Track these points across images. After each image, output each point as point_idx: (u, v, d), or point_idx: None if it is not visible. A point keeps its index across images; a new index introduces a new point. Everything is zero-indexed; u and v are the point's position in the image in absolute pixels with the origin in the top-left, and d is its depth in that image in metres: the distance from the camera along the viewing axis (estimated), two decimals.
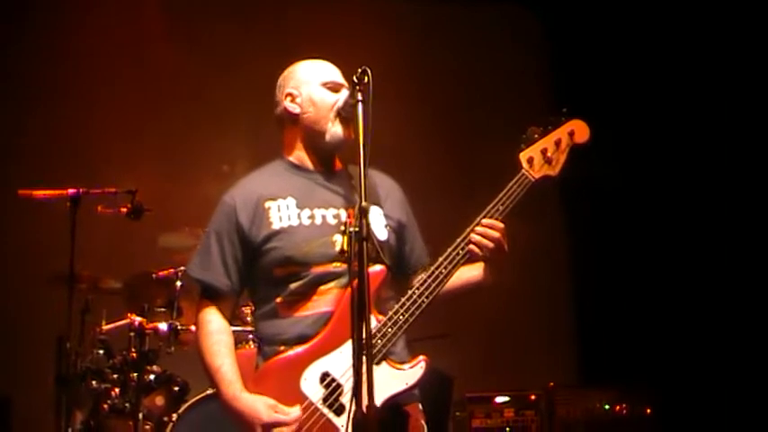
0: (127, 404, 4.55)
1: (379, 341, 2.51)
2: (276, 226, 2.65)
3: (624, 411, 5.39)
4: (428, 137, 6.55)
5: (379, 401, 2.38)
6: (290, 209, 2.67)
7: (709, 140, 5.74)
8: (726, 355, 5.51)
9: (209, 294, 2.72)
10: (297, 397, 2.52)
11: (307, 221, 2.65)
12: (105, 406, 4.58)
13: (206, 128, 6.35)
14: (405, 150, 5.92)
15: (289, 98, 2.78)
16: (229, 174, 6.25)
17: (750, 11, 5.49)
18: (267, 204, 2.67)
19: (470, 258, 2.63)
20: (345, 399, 2.49)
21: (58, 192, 4.50)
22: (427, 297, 2.56)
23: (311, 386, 2.53)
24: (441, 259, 2.61)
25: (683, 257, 5.85)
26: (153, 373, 4.66)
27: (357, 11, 6.67)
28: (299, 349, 2.56)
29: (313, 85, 2.75)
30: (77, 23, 6.34)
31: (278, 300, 2.64)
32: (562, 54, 6.96)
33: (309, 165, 2.77)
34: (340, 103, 2.70)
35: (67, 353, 4.43)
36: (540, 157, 2.73)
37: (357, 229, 2.31)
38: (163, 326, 4.67)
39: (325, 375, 2.53)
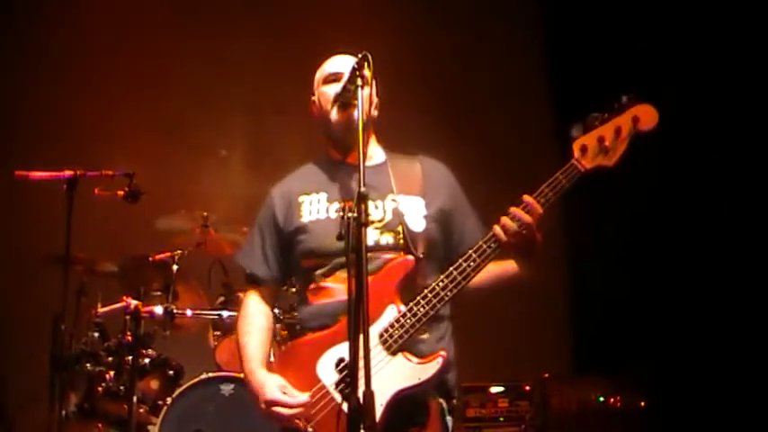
0: (121, 387, 4.55)
1: (396, 331, 2.51)
2: (305, 219, 2.76)
3: (618, 404, 5.39)
4: (429, 115, 6.50)
5: (388, 394, 2.45)
6: (320, 203, 2.78)
7: (708, 138, 5.72)
8: (722, 350, 5.50)
9: (252, 281, 2.92)
10: (312, 379, 2.57)
11: (334, 215, 2.73)
12: (100, 389, 4.58)
13: (205, 111, 6.32)
14: (407, 131, 5.90)
15: (313, 106, 2.90)
16: (227, 158, 6.23)
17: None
18: (301, 199, 2.81)
19: (502, 253, 2.52)
20: None
21: (54, 173, 4.48)
22: (451, 291, 2.49)
23: (326, 370, 2.57)
24: (470, 251, 2.50)
25: (679, 249, 5.84)
26: (148, 356, 4.67)
27: None
28: (321, 333, 2.63)
29: (320, 86, 2.86)
30: (75, 5, 6.31)
31: (310, 287, 2.74)
32: (560, 34, 6.93)
33: (340, 158, 2.84)
34: (337, 89, 2.71)
35: (62, 335, 4.42)
36: (596, 145, 2.50)
37: (355, 214, 2.30)
38: (158, 309, 4.67)
39: (340, 361, 2.56)
